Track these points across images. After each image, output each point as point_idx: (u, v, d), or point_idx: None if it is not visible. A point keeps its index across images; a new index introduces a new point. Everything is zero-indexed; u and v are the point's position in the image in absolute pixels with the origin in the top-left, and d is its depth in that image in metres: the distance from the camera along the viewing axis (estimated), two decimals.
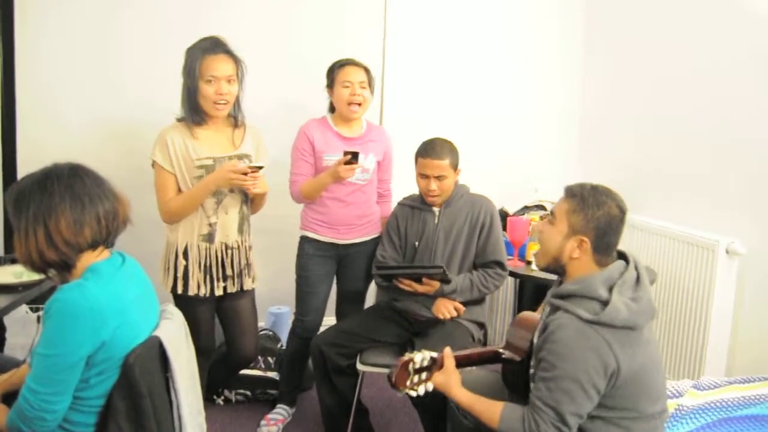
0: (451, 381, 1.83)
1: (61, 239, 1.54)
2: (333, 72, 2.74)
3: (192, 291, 2.42)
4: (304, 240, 2.85)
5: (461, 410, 2.08)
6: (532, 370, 1.78)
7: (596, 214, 1.70)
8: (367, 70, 2.74)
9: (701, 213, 3.03)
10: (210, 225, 2.42)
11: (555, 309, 1.70)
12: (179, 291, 2.43)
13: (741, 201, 2.82)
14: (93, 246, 1.60)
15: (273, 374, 3.08)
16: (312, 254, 2.81)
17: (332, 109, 2.84)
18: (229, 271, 2.48)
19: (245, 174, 2.32)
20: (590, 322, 1.61)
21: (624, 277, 1.68)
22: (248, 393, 3.05)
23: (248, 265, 2.56)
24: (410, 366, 1.79)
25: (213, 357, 2.70)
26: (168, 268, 2.44)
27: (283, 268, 2.93)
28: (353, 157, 2.54)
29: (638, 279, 1.71)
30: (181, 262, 2.41)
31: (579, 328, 1.61)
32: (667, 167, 3.27)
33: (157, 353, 1.65)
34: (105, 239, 1.62)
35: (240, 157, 2.46)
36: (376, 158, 2.83)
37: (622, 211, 1.73)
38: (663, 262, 3.08)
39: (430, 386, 1.82)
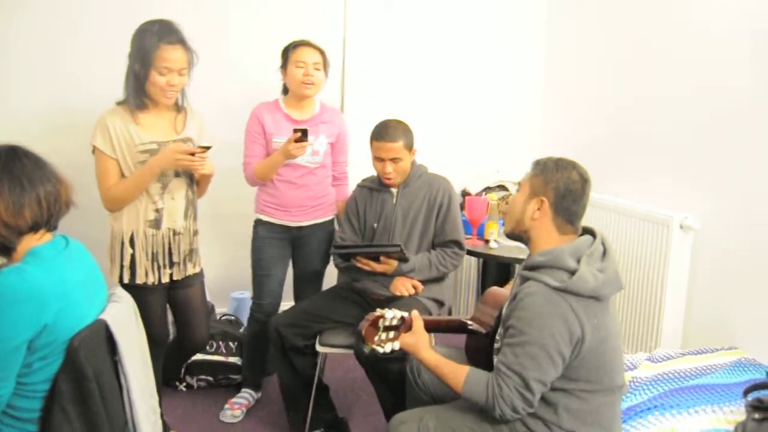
0: (420, 342, 1.86)
1: (0, 222, 1.51)
2: (287, 52, 2.71)
3: (140, 279, 2.36)
4: (257, 223, 2.85)
5: (419, 383, 2.11)
6: (497, 345, 1.81)
7: (555, 176, 1.76)
8: (322, 52, 2.72)
9: (656, 190, 3.07)
10: (157, 210, 2.36)
11: (525, 280, 1.74)
12: (126, 280, 2.35)
13: (694, 177, 2.87)
14: (34, 229, 1.57)
15: (235, 359, 3.07)
16: (265, 237, 2.81)
17: (286, 91, 2.82)
18: (176, 258, 2.42)
19: (192, 155, 2.27)
20: (558, 290, 1.64)
21: (591, 249, 1.72)
22: (210, 378, 3.04)
23: (192, 250, 2.50)
24: (380, 322, 1.83)
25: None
26: (114, 258, 2.37)
27: (245, 253, 2.91)
28: (303, 135, 2.52)
29: (605, 252, 1.76)
30: (128, 250, 2.33)
31: (547, 295, 1.65)
32: (623, 147, 3.31)
33: (103, 336, 1.62)
34: (47, 222, 1.59)
35: (184, 141, 2.38)
36: (328, 140, 2.82)
37: (583, 179, 1.78)
38: (619, 238, 3.12)
39: (396, 345, 1.85)
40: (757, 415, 1.84)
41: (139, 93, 2.31)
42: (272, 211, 2.78)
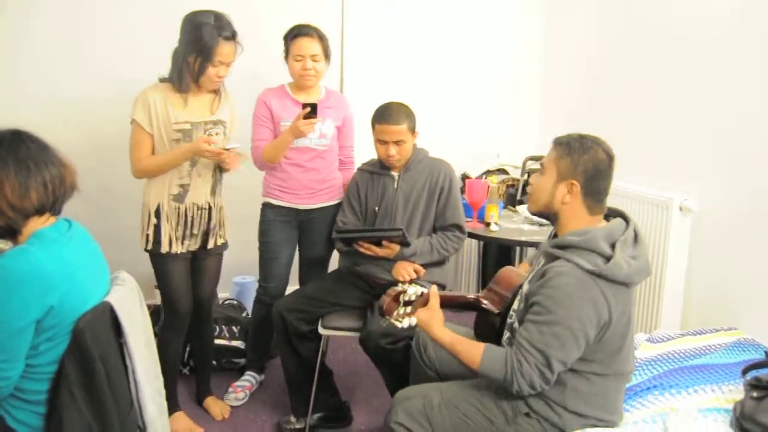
0: (434, 319, 1.84)
1: (7, 204, 1.53)
2: (287, 42, 2.71)
3: (164, 249, 2.47)
4: (265, 206, 2.86)
5: (424, 359, 2.11)
6: (510, 320, 1.83)
7: (582, 158, 1.73)
8: (321, 38, 2.70)
9: (655, 172, 3.08)
10: (181, 186, 2.46)
11: (553, 258, 1.73)
12: (149, 247, 2.48)
13: (693, 159, 2.87)
14: (39, 211, 1.58)
15: (238, 343, 3.09)
16: (273, 220, 2.82)
17: None
18: (195, 230, 2.52)
19: (219, 154, 2.38)
20: (591, 273, 1.64)
21: (625, 235, 1.71)
22: (214, 362, 3.05)
23: (216, 224, 2.59)
24: (401, 297, 1.83)
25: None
26: (142, 228, 2.49)
27: (247, 238, 2.92)
28: (312, 111, 2.53)
29: (636, 238, 1.75)
30: (153, 220, 2.45)
31: (579, 278, 1.64)
32: (623, 129, 3.30)
33: (108, 319, 1.64)
34: (52, 205, 1.61)
35: (215, 123, 2.49)
36: (335, 124, 2.82)
37: (609, 156, 1.75)
38: None
39: (414, 321, 1.84)
40: (755, 394, 1.85)
41: (185, 77, 2.39)
42: (281, 194, 2.80)
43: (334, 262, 3.02)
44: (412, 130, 2.59)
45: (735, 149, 2.66)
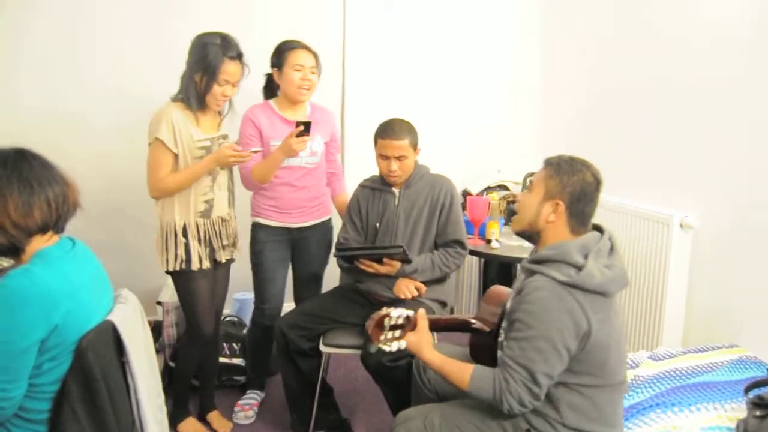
0: (423, 342, 1.86)
1: (10, 222, 1.53)
2: (282, 53, 2.70)
3: (195, 266, 2.49)
4: (256, 227, 2.85)
5: (424, 381, 2.12)
6: (500, 339, 1.83)
7: (571, 179, 1.76)
8: (316, 56, 2.74)
9: (655, 188, 3.09)
10: (206, 202, 2.50)
11: (531, 273, 1.75)
12: (180, 267, 2.48)
13: (693, 175, 2.88)
14: (43, 230, 1.59)
15: (238, 361, 3.08)
16: (265, 240, 2.81)
17: (270, 93, 2.83)
18: (225, 241, 2.60)
19: (243, 157, 2.47)
20: (565, 284, 1.66)
21: (599, 246, 1.73)
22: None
23: (236, 234, 2.68)
24: (386, 321, 1.85)
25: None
26: (167, 249, 2.48)
27: (246, 255, 2.92)
28: (305, 129, 2.54)
29: (612, 248, 1.77)
30: (181, 240, 2.47)
31: (554, 290, 1.66)
32: (624, 146, 3.32)
33: (111, 337, 1.64)
34: (55, 223, 1.61)
35: (224, 137, 2.57)
36: (324, 139, 2.84)
37: (597, 180, 1.78)
38: (620, 237, 3.08)
39: (402, 344, 1.85)
40: (758, 412, 1.85)
41: (200, 98, 2.46)
42: (272, 214, 2.79)
43: (331, 278, 3.02)
44: (414, 146, 2.60)
45: (736, 165, 2.66)
